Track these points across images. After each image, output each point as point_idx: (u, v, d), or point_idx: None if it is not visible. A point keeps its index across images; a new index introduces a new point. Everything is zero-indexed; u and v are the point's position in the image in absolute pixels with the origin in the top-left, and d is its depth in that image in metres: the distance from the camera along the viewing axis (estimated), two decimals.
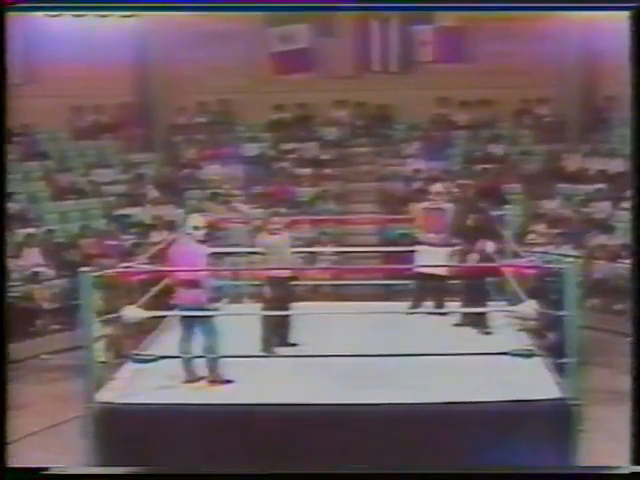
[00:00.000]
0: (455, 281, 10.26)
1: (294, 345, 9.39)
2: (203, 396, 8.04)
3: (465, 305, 9.96)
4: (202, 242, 8.51)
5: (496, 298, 10.34)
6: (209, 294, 8.34)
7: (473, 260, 9.85)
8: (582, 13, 15.76)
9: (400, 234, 13.75)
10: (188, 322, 8.40)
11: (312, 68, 18.98)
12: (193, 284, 8.26)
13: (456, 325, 9.98)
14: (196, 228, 8.46)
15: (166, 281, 9.08)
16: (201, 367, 8.38)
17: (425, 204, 10.81)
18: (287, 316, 9.37)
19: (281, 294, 9.27)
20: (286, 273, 9.39)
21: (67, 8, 10.02)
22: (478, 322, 9.81)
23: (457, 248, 10.09)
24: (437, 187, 10.90)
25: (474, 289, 9.81)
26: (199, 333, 8.35)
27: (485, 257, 9.84)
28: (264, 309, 9.26)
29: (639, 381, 7.28)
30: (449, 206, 10.61)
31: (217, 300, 8.77)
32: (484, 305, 9.74)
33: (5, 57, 7.52)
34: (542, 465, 7.52)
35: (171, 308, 8.68)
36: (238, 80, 18.78)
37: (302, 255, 12.26)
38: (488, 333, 9.71)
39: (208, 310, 8.32)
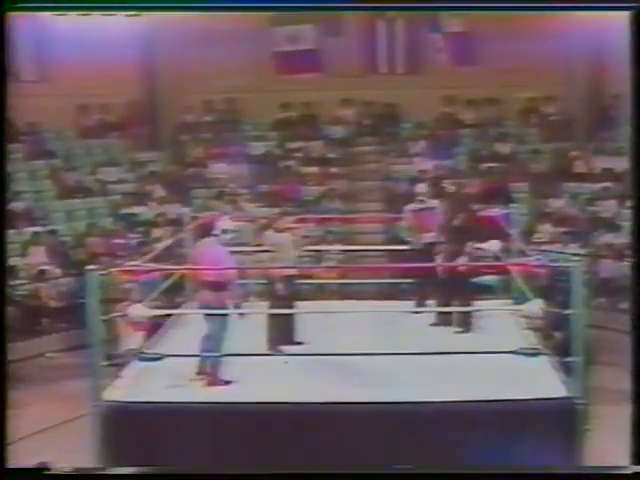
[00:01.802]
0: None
1: (300, 344, 9.39)
2: (209, 395, 8.05)
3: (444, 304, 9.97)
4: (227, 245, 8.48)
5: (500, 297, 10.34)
6: (234, 296, 8.31)
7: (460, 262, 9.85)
8: (589, 12, 15.69)
9: None
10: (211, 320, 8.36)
11: (318, 69, 18.93)
12: (219, 286, 8.22)
13: (434, 325, 9.97)
14: (225, 231, 8.43)
15: (174, 278, 9.08)
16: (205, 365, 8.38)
17: (412, 205, 10.85)
18: (293, 314, 9.38)
19: (287, 292, 9.28)
20: (292, 271, 9.39)
21: (70, 8, 9.96)
22: (462, 321, 9.83)
23: (445, 248, 10.11)
24: (421, 187, 11.03)
25: (459, 288, 9.80)
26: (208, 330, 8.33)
27: (472, 258, 9.86)
28: (270, 307, 9.27)
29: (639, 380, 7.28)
30: (438, 203, 10.68)
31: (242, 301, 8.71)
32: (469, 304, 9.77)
33: (6, 55, 7.49)
34: (548, 464, 7.51)
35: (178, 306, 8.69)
36: (244, 79, 18.74)
37: (308, 254, 12.26)
38: (465, 332, 9.72)
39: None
